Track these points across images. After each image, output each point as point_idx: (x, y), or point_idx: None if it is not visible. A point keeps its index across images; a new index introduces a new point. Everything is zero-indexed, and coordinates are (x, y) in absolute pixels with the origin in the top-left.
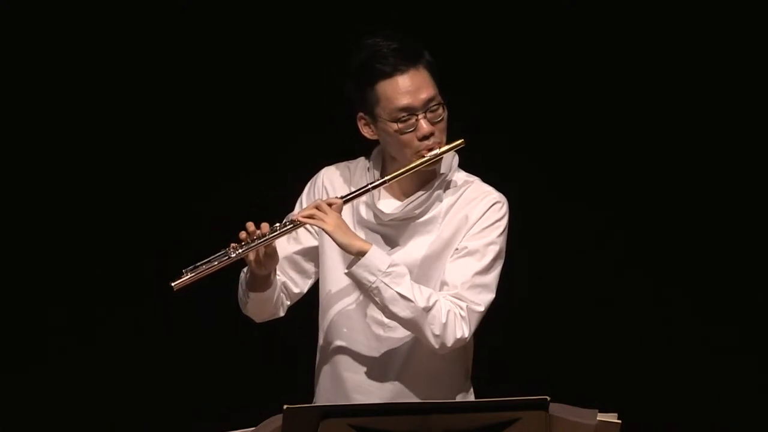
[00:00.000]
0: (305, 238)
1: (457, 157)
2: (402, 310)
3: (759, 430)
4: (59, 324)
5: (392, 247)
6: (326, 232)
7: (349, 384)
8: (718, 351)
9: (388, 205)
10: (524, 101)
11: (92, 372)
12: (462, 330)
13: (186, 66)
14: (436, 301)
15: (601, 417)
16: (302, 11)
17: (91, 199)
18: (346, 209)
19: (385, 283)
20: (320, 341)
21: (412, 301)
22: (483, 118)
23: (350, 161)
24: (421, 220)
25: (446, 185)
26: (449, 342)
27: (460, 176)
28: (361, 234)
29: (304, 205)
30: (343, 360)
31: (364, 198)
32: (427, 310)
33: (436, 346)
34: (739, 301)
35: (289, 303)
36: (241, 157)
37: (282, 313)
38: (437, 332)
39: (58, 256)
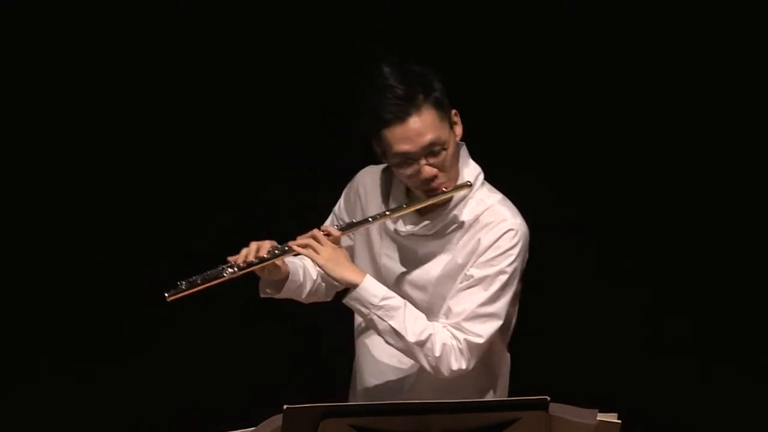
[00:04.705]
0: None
1: (482, 175)
2: (395, 342)
3: (759, 430)
4: (61, 324)
5: (410, 259)
6: (318, 265)
7: (371, 392)
8: (718, 351)
9: (406, 219)
10: (523, 105)
11: (91, 371)
12: (459, 362)
13: (185, 66)
14: (429, 335)
15: (601, 417)
16: (302, 12)
17: (91, 204)
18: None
19: (378, 316)
20: (355, 338)
21: (403, 335)
22: (482, 123)
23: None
24: (438, 240)
25: (466, 204)
26: (445, 373)
27: (482, 195)
28: (382, 241)
29: (342, 201)
30: (366, 365)
31: (391, 207)
32: (420, 344)
33: (434, 374)
34: (739, 303)
35: (336, 289)
36: (247, 162)
37: (330, 297)
38: (432, 363)
39: (58, 257)
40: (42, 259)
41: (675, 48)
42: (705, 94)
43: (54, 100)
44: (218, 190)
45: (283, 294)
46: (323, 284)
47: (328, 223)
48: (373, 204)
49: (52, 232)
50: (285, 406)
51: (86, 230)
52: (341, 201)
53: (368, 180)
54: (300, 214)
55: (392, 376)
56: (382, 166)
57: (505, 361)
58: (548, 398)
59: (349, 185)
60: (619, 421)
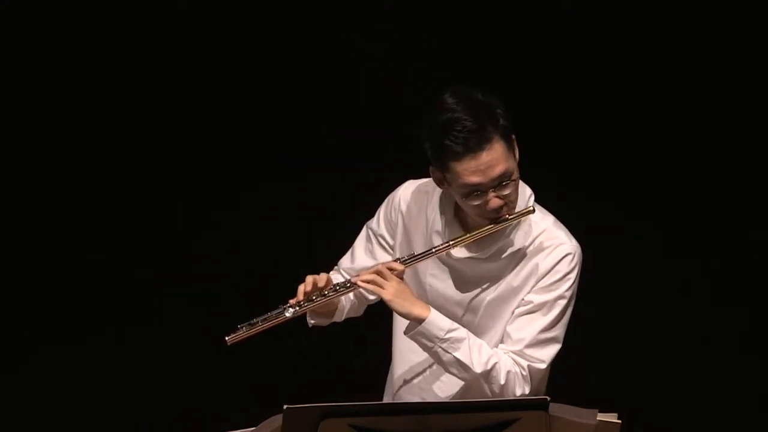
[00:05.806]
0: (380, 254)
1: (533, 196)
2: (460, 373)
3: (759, 430)
4: (60, 324)
5: (460, 281)
6: (384, 301)
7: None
8: (718, 351)
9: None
10: (523, 105)
11: (91, 371)
12: (522, 388)
13: (185, 66)
14: (495, 364)
15: (601, 417)
16: (302, 12)
17: (90, 204)
18: (421, 236)
19: (443, 349)
20: (392, 347)
21: (470, 366)
22: None
23: (430, 181)
24: (492, 263)
25: (520, 227)
26: (508, 398)
27: (535, 217)
28: (429, 261)
29: (382, 218)
30: (406, 380)
31: (438, 228)
32: (486, 374)
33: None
34: (740, 301)
35: (367, 304)
36: (247, 162)
37: (360, 313)
38: (497, 391)
39: (58, 257)
40: (42, 259)
41: (676, 48)
42: (706, 96)
43: (54, 100)
44: (218, 190)
45: (328, 322)
46: (356, 302)
47: (362, 237)
48: (419, 224)
49: (52, 231)
50: (285, 406)
51: (86, 230)
52: (380, 218)
53: (411, 198)
54: (300, 214)
55: (433, 389)
56: (421, 182)
57: (547, 374)
58: (548, 398)
59: (388, 202)
60: (619, 421)
